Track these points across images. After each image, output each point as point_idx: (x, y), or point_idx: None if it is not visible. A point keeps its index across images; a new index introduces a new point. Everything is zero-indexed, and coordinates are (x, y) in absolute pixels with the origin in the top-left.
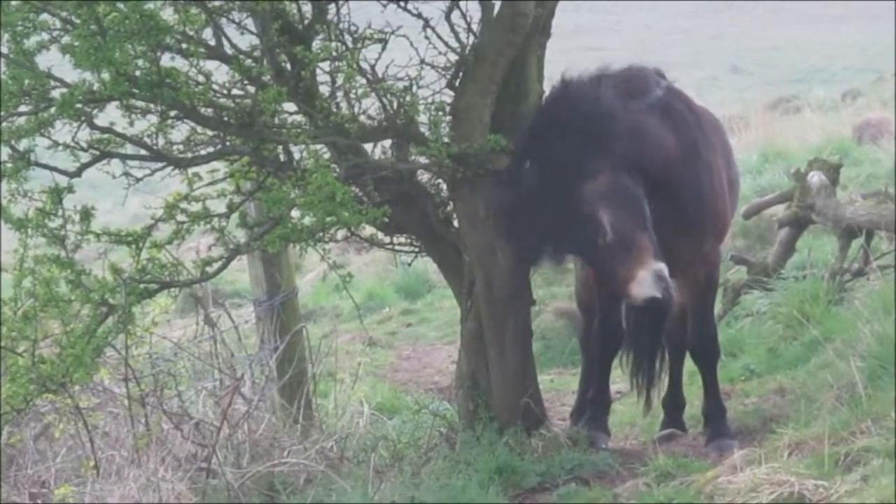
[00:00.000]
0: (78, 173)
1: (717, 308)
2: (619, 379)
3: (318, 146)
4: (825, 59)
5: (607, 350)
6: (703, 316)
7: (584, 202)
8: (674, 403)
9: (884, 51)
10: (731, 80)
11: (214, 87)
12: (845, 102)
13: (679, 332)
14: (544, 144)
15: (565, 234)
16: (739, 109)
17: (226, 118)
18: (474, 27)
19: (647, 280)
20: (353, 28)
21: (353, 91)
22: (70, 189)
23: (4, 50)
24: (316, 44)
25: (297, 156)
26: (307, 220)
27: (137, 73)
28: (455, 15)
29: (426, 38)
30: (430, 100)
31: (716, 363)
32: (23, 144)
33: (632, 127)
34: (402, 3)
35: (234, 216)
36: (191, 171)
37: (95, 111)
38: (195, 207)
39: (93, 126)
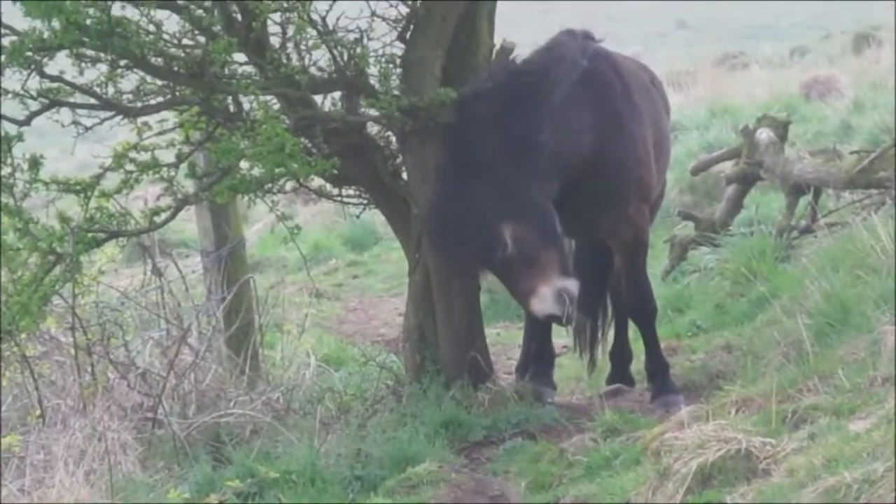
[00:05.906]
0: (27, 122)
1: (664, 264)
2: (565, 334)
3: (268, 97)
4: (773, 15)
5: None
6: (634, 275)
7: (489, 214)
8: (621, 356)
9: (830, 8)
10: (678, 36)
11: (165, 36)
12: (793, 59)
13: (621, 289)
14: (465, 149)
15: (471, 242)
16: (687, 65)
17: (176, 68)
18: None
19: (548, 296)
20: None
21: (304, 42)
22: (19, 137)
23: None
24: None
25: (246, 106)
26: (256, 171)
27: (88, 21)
28: None
29: None
30: (380, 52)
31: (653, 319)
32: None
33: (553, 127)
34: None
35: (183, 166)
36: (140, 120)
37: (45, 59)
38: (144, 157)
39: (42, 74)
